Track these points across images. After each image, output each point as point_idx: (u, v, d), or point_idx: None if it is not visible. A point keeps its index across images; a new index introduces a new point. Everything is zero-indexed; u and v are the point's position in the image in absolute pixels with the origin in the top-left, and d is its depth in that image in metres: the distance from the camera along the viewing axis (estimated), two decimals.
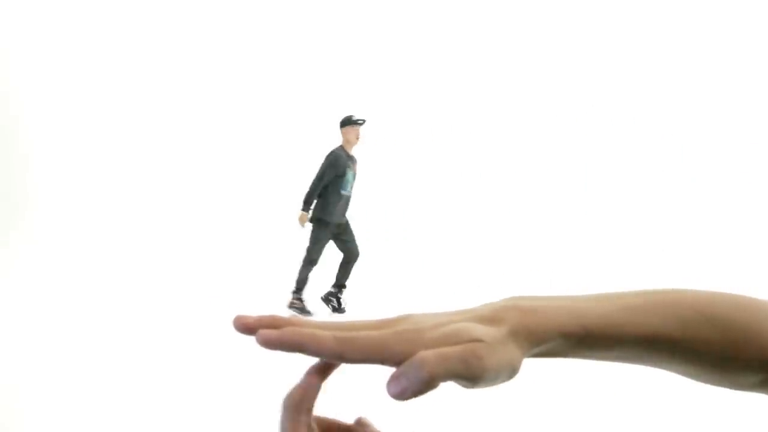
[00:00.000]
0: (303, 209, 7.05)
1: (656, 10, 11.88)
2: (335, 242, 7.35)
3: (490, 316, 0.42)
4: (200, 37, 12.06)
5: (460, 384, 0.40)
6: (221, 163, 12.07)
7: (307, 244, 7.39)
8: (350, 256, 7.36)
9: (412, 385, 0.37)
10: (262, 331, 0.38)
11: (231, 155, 12.11)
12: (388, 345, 0.39)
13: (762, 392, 0.49)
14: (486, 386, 0.40)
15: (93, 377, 4.37)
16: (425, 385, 0.37)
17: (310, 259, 7.15)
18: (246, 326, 0.39)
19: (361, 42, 12.39)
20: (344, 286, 7.46)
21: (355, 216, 11.88)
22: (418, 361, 0.38)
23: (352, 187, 7.31)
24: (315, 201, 7.11)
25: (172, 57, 11.96)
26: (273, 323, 0.40)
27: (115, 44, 11.71)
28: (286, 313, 6.98)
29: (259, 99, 12.33)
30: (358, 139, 7.27)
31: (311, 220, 7.17)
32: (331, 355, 0.38)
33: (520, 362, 0.42)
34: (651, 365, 0.48)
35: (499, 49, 12.35)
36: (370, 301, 8.47)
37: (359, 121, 7.22)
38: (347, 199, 7.25)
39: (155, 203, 11.63)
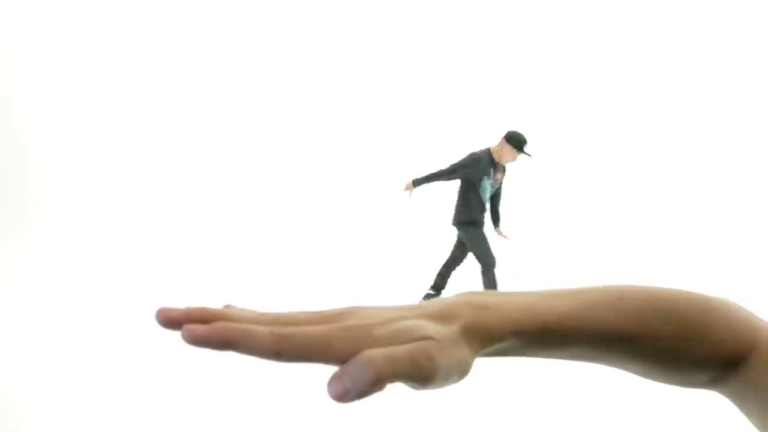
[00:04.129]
0: (413, 181, 6.63)
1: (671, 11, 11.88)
2: (456, 245, 6.85)
3: (442, 313, 0.40)
4: (201, 37, 12.06)
5: (408, 385, 0.37)
6: (223, 164, 12.05)
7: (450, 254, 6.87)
8: (460, 260, 6.85)
9: (355, 386, 0.34)
10: (188, 326, 0.34)
11: (233, 155, 12.09)
12: (331, 342, 0.36)
13: (712, 390, 0.49)
14: (436, 388, 0.37)
15: (93, 378, 4.35)
16: (370, 386, 0.34)
17: (487, 264, 6.57)
18: (171, 320, 0.35)
19: (360, 41, 12.38)
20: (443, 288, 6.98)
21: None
22: (364, 360, 0.34)
23: (490, 198, 6.86)
24: (427, 182, 6.66)
25: (173, 59, 11.95)
26: (202, 317, 0.36)
27: (115, 46, 11.70)
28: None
29: (259, 99, 12.32)
30: (513, 161, 6.75)
31: (461, 225, 6.68)
32: (267, 354, 0.35)
33: (472, 362, 0.39)
34: (606, 363, 0.46)
35: (496, 46, 12.35)
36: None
37: (527, 154, 6.71)
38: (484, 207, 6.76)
39: (157, 205, 11.62)
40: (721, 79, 11.78)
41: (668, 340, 0.45)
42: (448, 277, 6.92)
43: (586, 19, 12.11)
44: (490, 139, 12.54)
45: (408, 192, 6.73)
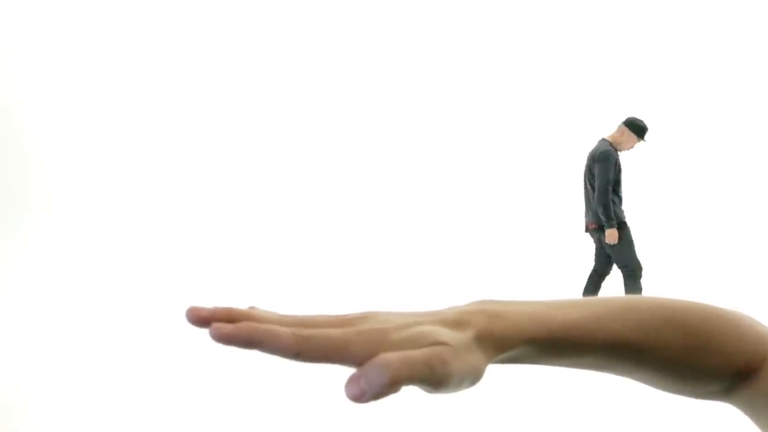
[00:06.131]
0: (609, 225, 5.98)
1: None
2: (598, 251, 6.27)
3: (456, 320, 0.41)
4: (201, 38, 12.06)
5: (422, 389, 0.38)
6: (224, 164, 12.06)
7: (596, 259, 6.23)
8: (606, 268, 6.26)
9: (372, 387, 0.35)
10: (216, 325, 0.36)
11: (233, 155, 12.10)
12: (349, 345, 0.37)
13: (724, 401, 0.49)
14: (449, 392, 0.39)
15: (93, 377, 4.35)
16: (386, 388, 0.35)
17: (633, 270, 6.08)
18: (200, 318, 0.37)
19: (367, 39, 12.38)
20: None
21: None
22: (381, 363, 0.36)
23: None
24: (611, 214, 6.03)
25: (173, 59, 11.95)
26: (229, 316, 0.38)
27: (115, 46, 11.70)
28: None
29: (259, 99, 12.33)
30: (630, 149, 6.29)
31: (601, 229, 6.10)
32: (288, 354, 0.36)
33: (484, 368, 0.41)
34: (616, 373, 0.47)
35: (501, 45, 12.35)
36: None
37: (645, 140, 6.27)
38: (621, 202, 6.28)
39: (158, 205, 11.62)
40: (720, 75, 11.80)
41: (676, 351, 0.46)
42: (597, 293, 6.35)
43: (585, 22, 12.13)
44: (491, 140, 12.53)
45: (616, 238, 6.04)
